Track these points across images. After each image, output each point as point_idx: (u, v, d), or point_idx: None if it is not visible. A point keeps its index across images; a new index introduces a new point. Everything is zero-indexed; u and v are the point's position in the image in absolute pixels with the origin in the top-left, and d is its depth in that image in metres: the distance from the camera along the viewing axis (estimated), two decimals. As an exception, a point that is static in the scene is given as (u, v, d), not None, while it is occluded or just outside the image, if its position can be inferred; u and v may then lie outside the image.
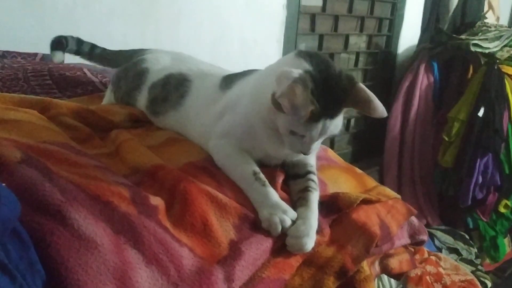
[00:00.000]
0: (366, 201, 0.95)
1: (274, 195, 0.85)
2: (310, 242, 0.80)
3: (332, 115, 0.83)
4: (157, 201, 0.73)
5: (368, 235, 0.88)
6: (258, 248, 0.75)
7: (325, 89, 0.81)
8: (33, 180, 0.63)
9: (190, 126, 1.07)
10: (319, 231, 0.84)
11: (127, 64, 1.25)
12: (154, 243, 0.65)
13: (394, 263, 1.04)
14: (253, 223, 0.79)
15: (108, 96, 1.27)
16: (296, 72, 0.80)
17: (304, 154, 0.88)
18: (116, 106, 1.14)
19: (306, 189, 0.91)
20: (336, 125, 0.85)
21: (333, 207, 0.92)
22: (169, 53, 1.27)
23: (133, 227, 0.66)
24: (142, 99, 1.16)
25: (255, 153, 0.94)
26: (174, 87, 1.10)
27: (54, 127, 0.86)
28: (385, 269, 1.03)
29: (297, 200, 0.90)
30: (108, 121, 1.06)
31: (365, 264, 0.86)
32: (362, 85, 0.86)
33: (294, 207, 0.86)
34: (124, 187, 0.71)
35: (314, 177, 0.96)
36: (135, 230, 0.65)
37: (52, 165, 0.70)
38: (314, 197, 0.89)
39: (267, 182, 0.87)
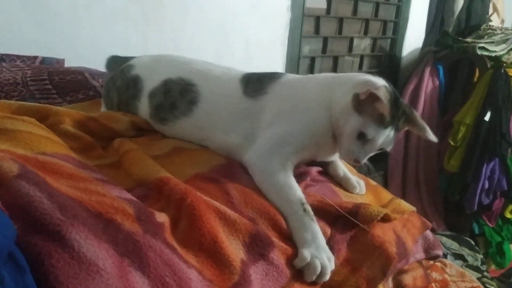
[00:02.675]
0: (384, 218, 0.90)
1: (321, 235, 0.81)
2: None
3: (397, 128, 0.92)
4: (163, 217, 0.69)
5: (386, 256, 0.83)
6: (267, 276, 0.70)
7: (394, 104, 0.90)
8: (31, 197, 0.58)
9: (209, 134, 1.03)
10: (335, 251, 0.79)
11: (113, 73, 1.21)
12: (160, 265, 0.61)
13: (408, 279, 1.00)
14: (265, 242, 0.74)
15: (102, 108, 1.23)
16: (381, 81, 0.95)
17: (357, 162, 0.93)
18: (118, 113, 1.08)
19: None
20: (391, 140, 0.94)
21: (351, 221, 0.86)
22: (154, 56, 1.22)
23: (138, 248, 0.61)
24: (143, 108, 1.11)
25: (303, 158, 0.98)
26: (179, 93, 1.06)
27: (53, 137, 0.81)
28: (399, 286, 0.99)
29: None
30: (110, 129, 1.01)
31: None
32: (417, 113, 0.99)
33: None
34: (128, 203, 0.67)
35: None
36: (140, 251, 0.61)
37: (51, 179, 0.65)
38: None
39: (314, 216, 0.83)
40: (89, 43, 1.80)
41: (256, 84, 1.03)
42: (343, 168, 1.06)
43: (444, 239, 2.68)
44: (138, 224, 0.64)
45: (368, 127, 0.89)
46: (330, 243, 0.82)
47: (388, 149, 0.95)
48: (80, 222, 0.58)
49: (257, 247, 0.72)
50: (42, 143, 0.77)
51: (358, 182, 1.04)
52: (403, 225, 0.96)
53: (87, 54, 1.78)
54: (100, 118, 1.01)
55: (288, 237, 0.80)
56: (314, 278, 0.75)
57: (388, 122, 0.89)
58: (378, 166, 3.15)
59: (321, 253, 0.77)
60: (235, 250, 0.70)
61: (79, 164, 0.74)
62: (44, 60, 1.64)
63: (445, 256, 2.55)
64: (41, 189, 0.60)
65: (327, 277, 0.76)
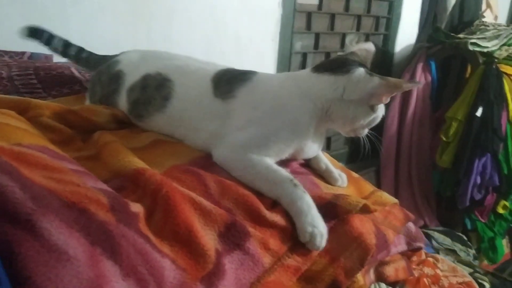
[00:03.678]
0: (363, 209, 0.90)
1: (314, 204, 0.84)
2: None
3: None
4: (137, 208, 0.69)
5: (364, 247, 0.84)
6: (242, 266, 0.70)
7: None
8: (3, 187, 0.58)
9: (182, 131, 1.03)
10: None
11: (100, 67, 1.20)
12: (133, 254, 0.61)
13: (390, 271, 1.00)
14: (240, 232, 0.74)
15: (87, 102, 1.22)
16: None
17: (359, 135, 1.04)
18: (100, 106, 1.08)
19: None
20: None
21: (330, 213, 0.87)
22: (142, 52, 1.21)
23: (111, 237, 0.61)
24: (122, 103, 1.11)
25: (282, 155, 0.97)
26: (155, 88, 1.05)
27: (31, 129, 0.82)
28: (380, 277, 0.99)
29: None
30: (91, 122, 1.01)
31: (358, 273, 0.82)
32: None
33: None
34: (102, 194, 0.67)
35: None
36: (112, 240, 0.61)
37: (25, 169, 0.65)
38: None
39: (305, 189, 0.86)
40: (78, 38, 1.78)
41: (225, 86, 1.01)
42: (325, 161, 1.07)
43: (437, 234, 2.69)
44: (112, 214, 0.64)
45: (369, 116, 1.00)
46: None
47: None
48: (52, 212, 0.58)
49: (232, 237, 0.73)
50: (19, 134, 0.77)
51: (340, 175, 1.04)
52: (384, 217, 0.96)
53: (76, 50, 1.78)
54: (80, 111, 1.01)
55: (266, 226, 0.80)
56: (321, 247, 0.80)
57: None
58: (370, 162, 3.15)
59: (318, 223, 0.81)
60: (210, 240, 0.70)
61: (55, 156, 0.74)
62: (32, 55, 1.64)
63: (437, 251, 2.56)
64: (14, 179, 0.60)
65: (323, 245, 0.80)
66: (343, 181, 1.04)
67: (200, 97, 1.02)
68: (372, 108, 0.98)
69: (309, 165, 1.06)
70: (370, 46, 1.07)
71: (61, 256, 0.54)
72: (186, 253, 0.67)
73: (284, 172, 0.89)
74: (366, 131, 1.04)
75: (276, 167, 0.90)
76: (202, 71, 1.07)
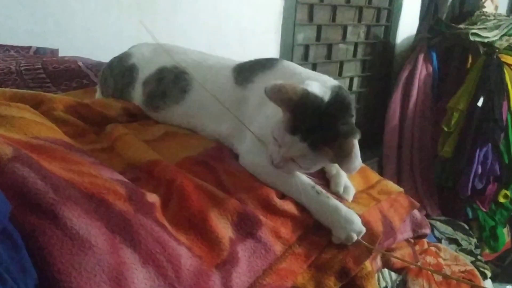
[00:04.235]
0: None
1: (341, 205, 0.84)
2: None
3: (309, 143, 0.81)
4: (153, 198, 0.71)
5: (371, 235, 0.85)
6: (254, 253, 0.72)
7: (320, 114, 0.81)
8: (25, 178, 0.60)
9: (207, 121, 1.03)
10: (320, 231, 0.83)
11: (112, 60, 1.22)
12: (151, 242, 0.63)
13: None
14: (253, 221, 0.76)
15: (97, 95, 1.24)
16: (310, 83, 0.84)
17: (276, 166, 0.86)
18: (111, 100, 1.11)
19: None
20: (306, 157, 0.83)
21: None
22: (153, 45, 1.23)
23: (129, 226, 0.63)
24: (137, 95, 1.13)
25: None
26: (172, 81, 1.07)
27: (47, 122, 0.84)
28: (387, 264, 1.01)
29: None
30: (103, 115, 1.03)
31: (366, 260, 0.84)
32: (354, 142, 0.81)
33: None
34: (120, 184, 0.69)
35: None
36: (131, 228, 0.63)
37: (45, 161, 0.67)
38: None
39: (328, 193, 0.86)
40: (83, 33, 1.81)
41: (247, 72, 1.02)
42: (337, 167, 0.99)
43: (439, 224, 2.71)
44: (130, 204, 0.66)
45: (276, 130, 0.84)
46: (316, 222, 0.85)
47: (304, 167, 0.86)
48: (72, 202, 0.60)
49: (245, 226, 0.75)
50: (36, 128, 0.79)
51: (347, 187, 0.95)
52: (390, 205, 0.98)
53: (81, 44, 1.79)
54: (93, 105, 1.03)
55: (277, 215, 0.81)
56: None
57: (295, 128, 0.81)
58: (373, 153, 3.17)
59: (351, 225, 0.81)
60: (223, 229, 0.72)
61: (72, 148, 0.77)
62: (38, 50, 1.66)
63: (439, 240, 2.59)
64: (35, 171, 0.63)
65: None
66: (348, 193, 0.94)
67: (222, 87, 1.03)
68: None
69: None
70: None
71: (83, 244, 0.57)
72: (201, 241, 0.70)
73: (303, 178, 0.88)
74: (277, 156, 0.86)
75: (296, 172, 0.89)
76: (221, 65, 1.09)
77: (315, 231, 0.83)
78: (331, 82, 0.91)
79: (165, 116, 1.10)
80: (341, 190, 0.92)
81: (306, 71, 0.99)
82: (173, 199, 0.73)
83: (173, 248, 0.65)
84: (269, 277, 0.73)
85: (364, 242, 0.82)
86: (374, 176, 1.06)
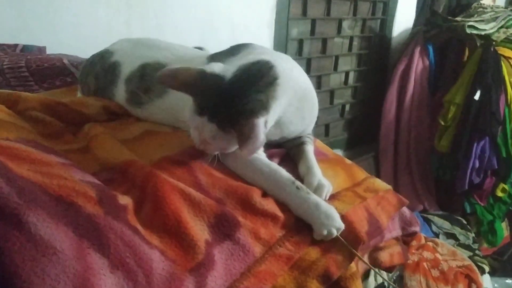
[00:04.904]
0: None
1: (322, 201, 0.83)
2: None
3: (218, 123, 0.80)
4: (126, 200, 0.69)
5: (353, 238, 0.83)
6: (232, 256, 0.70)
7: (221, 93, 0.79)
8: (-12, 182, 0.58)
9: (181, 116, 1.00)
10: (301, 232, 0.81)
11: (92, 57, 1.20)
12: (121, 246, 0.61)
13: (385, 257, 1.00)
14: (231, 222, 0.74)
15: (78, 93, 1.22)
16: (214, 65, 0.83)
17: (198, 148, 0.85)
18: (91, 98, 1.08)
19: (302, 143, 0.99)
20: (218, 138, 0.81)
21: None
22: (133, 40, 1.21)
23: (99, 230, 0.61)
24: (120, 92, 1.11)
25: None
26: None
27: (21, 123, 0.82)
28: (375, 263, 0.99)
29: (293, 154, 0.98)
30: (81, 114, 1.00)
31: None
32: (255, 122, 0.77)
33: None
34: (90, 186, 0.67)
35: (310, 136, 1.04)
36: (100, 232, 0.61)
37: (13, 164, 0.65)
38: (310, 149, 0.98)
39: (307, 189, 0.85)
40: (71, 30, 1.79)
41: (217, 60, 0.96)
42: (309, 163, 0.96)
43: (436, 218, 2.70)
44: (100, 207, 0.64)
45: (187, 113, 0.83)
46: (297, 223, 0.83)
47: (218, 146, 0.84)
48: (38, 206, 0.58)
49: (222, 228, 0.72)
50: (8, 129, 0.77)
51: (319, 186, 0.89)
52: (377, 203, 0.96)
53: (69, 41, 1.77)
54: (70, 104, 1.01)
55: (258, 215, 0.79)
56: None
57: (201, 109, 0.80)
58: (369, 148, 3.15)
59: (331, 221, 0.81)
60: (199, 231, 0.70)
61: (43, 149, 0.74)
62: (24, 47, 1.63)
63: (437, 235, 2.57)
64: (0, 174, 0.60)
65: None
66: (320, 192, 0.87)
67: None
68: None
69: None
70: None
71: (47, 250, 0.55)
72: (175, 244, 0.68)
73: (284, 173, 0.86)
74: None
75: (274, 165, 0.88)
76: (199, 58, 1.06)
77: (296, 232, 0.81)
78: (257, 58, 0.85)
79: (147, 111, 1.08)
80: (312, 189, 0.87)
81: (268, 52, 0.96)
82: (147, 201, 0.71)
83: (145, 252, 0.63)
84: (247, 280, 0.71)
85: (342, 239, 0.81)
86: (361, 174, 1.04)
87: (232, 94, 0.79)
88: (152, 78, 1.06)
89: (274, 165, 0.89)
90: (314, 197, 0.83)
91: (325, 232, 0.80)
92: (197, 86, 0.80)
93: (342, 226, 0.81)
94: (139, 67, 1.09)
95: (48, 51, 1.69)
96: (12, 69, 1.29)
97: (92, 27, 1.84)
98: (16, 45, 1.62)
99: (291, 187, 0.84)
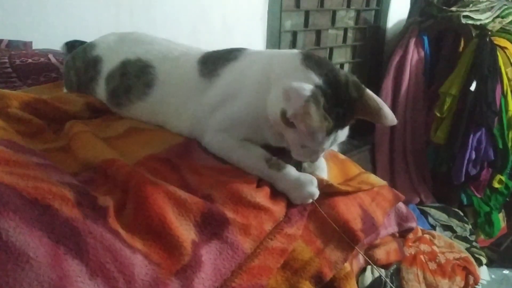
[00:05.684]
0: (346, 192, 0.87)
1: (292, 173, 0.84)
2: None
3: (343, 126, 0.84)
4: (106, 201, 0.65)
5: (350, 237, 0.81)
6: (220, 255, 0.67)
7: (335, 102, 0.80)
8: (-43, 186, 0.55)
9: (170, 117, 0.99)
10: (291, 224, 0.77)
11: (75, 51, 1.15)
12: (100, 251, 0.58)
13: (380, 254, 0.97)
14: (218, 220, 0.71)
15: (64, 89, 1.18)
16: (308, 89, 0.78)
17: (312, 162, 0.89)
18: (73, 95, 1.04)
19: None
20: (344, 133, 0.86)
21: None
22: (120, 35, 1.16)
23: (77, 234, 0.58)
24: (100, 91, 1.07)
25: (258, 142, 0.91)
26: (135, 75, 1.01)
27: (-2, 122, 0.78)
28: (371, 261, 0.96)
29: None
30: (63, 111, 0.96)
31: (344, 260, 0.79)
32: (370, 93, 0.84)
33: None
34: (68, 188, 0.63)
35: None
36: (78, 237, 0.57)
37: (-14, 166, 0.62)
38: None
39: (282, 164, 0.85)
40: (58, 24, 1.74)
41: (211, 65, 0.97)
42: None
43: (433, 211, 2.68)
44: (78, 210, 0.61)
45: (308, 141, 0.81)
46: (288, 214, 0.81)
47: (344, 139, 0.88)
48: (10, 210, 0.55)
49: (209, 227, 0.69)
50: (-19, 128, 0.73)
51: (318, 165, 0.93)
52: (372, 199, 0.93)
53: (56, 36, 1.72)
54: (51, 100, 0.96)
55: (249, 208, 0.77)
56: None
57: (330, 130, 0.80)
58: (365, 140, 3.12)
59: (301, 187, 0.82)
60: (185, 231, 0.67)
61: (20, 149, 0.71)
62: (10, 43, 1.58)
63: (433, 227, 2.56)
64: (-29, 177, 0.57)
65: (317, 195, 0.83)
66: (320, 170, 0.92)
67: (185, 80, 0.98)
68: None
69: None
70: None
71: (20, 258, 0.51)
72: (159, 246, 0.64)
73: (258, 151, 0.87)
74: (315, 158, 0.88)
75: (249, 145, 0.89)
76: (187, 56, 1.03)
77: (289, 223, 0.78)
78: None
79: (129, 113, 1.04)
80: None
81: (266, 59, 0.94)
82: (129, 202, 0.68)
83: (126, 256, 0.59)
84: (239, 278, 0.69)
85: (318, 208, 0.83)
86: (355, 169, 1.01)
87: (338, 96, 0.81)
88: (133, 76, 1.01)
89: (247, 144, 0.89)
90: (286, 170, 0.84)
91: (298, 202, 0.82)
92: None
93: (315, 192, 0.82)
94: (120, 64, 1.04)
95: (35, 47, 1.65)
96: (-6, 65, 1.25)
97: (79, 21, 1.80)
98: (1, 40, 1.58)
99: (262, 164, 0.85)
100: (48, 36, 1.70)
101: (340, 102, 0.81)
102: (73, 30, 1.77)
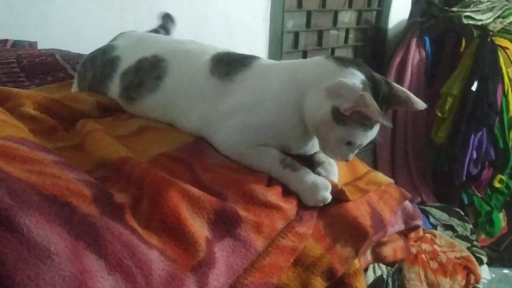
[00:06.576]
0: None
1: (308, 176, 0.85)
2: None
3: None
4: (123, 198, 0.66)
5: (359, 234, 0.82)
6: (233, 252, 0.68)
7: (375, 96, 0.83)
8: (-23, 183, 0.56)
9: (179, 111, 0.99)
10: (303, 223, 0.78)
11: (95, 52, 1.16)
12: (118, 247, 0.58)
13: (388, 251, 0.98)
14: (231, 218, 0.71)
15: (74, 87, 1.18)
16: (358, 82, 0.83)
17: (346, 161, 0.91)
18: (83, 94, 1.05)
19: None
20: (377, 129, 0.90)
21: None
22: (140, 35, 1.18)
23: (95, 230, 0.58)
24: (114, 87, 1.07)
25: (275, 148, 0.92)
26: (149, 69, 1.02)
27: (10, 120, 0.78)
28: (378, 258, 0.97)
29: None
30: (74, 110, 0.97)
31: (354, 257, 0.80)
32: (397, 85, 0.91)
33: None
34: (85, 185, 0.64)
35: None
36: (96, 233, 0.58)
37: (3, 163, 0.62)
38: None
39: (297, 165, 0.86)
40: (63, 23, 1.75)
41: (225, 66, 0.97)
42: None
43: (434, 210, 2.69)
44: (95, 206, 0.62)
45: (356, 135, 0.85)
46: (299, 213, 0.81)
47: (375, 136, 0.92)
48: (30, 206, 0.56)
49: (222, 224, 0.70)
50: (-2, 127, 0.74)
51: (329, 164, 0.95)
52: (379, 197, 0.94)
53: (61, 35, 1.74)
54: (63, 100, 0.97)
55: (261, 206, 0.77)
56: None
57: (374, 122, 0.85)
58: (366, 140, 3.13)
59: (315, 191, 0.83)
60: (199, 228, 0.68)
61: (35, 147, 0.71)
62: (15, 43, 1.60)
63: (435, 227, 2.57)
64: (-11, 174, 0.58)
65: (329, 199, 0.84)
66: (329, 172, 0.93)
67: (195, 75, 0.99)
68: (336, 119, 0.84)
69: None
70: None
71: (41, 253, 0.52)
72: (175, 243, 0.65)
73: (272, 152, 0.88)
74: (351, 156, 0.91)
75: (262, 148, 0.89)
76: (200, 51, 1.03)
77: (300, 222, 0.79)
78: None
79: (139, 108, 1.04)
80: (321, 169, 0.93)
81: (288, 69, 0.96)
82: (144, 199, 0.68)
83: (143, 252, 0.60)
84: (251, 276, 0.69)
85: None
86: (363, 168, 1.02)
87: (377, 90, 0.85)
88: (146, 71, 1.03)
89: (261, 146, 0.90)
90: (302, 172, 0.85)
91: (311, 204, 0.83)
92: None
93: (328, 197, 0.83)
94: (136, 61, 1.05)
95: (40, 46, 1.66)
96: (2, 64, 1.26)
97: (84, 20, 1.81)
98: (6, 40, 1.59)
99: (276, 165, 0.86)
100: (53, 36, 1.72)
101: (377, 96, 0.84)
102: (78, 29, 1.78)
